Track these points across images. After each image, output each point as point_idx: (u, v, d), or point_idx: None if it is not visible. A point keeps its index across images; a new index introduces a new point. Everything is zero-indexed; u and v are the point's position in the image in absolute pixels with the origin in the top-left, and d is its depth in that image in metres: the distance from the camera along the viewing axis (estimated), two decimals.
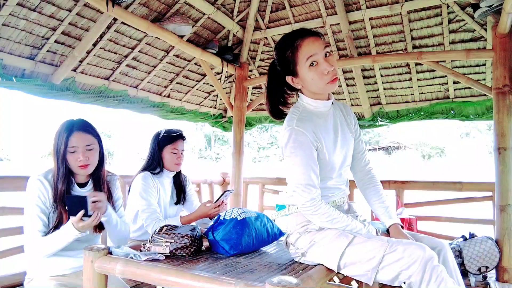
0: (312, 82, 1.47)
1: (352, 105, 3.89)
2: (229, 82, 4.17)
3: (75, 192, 1.66)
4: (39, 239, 1.52)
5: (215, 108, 4.37)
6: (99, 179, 1.73)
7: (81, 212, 1.46)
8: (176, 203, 2.38)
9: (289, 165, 1.47)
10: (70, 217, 1.48)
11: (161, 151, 2.27)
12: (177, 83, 3.70)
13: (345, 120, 1.64)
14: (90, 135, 1.65)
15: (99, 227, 1.70)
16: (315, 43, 1.44)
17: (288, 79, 1.52)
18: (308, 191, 1.41)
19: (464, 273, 2.43)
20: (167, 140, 2.28)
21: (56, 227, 1.57)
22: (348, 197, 1.69)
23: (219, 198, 2.27)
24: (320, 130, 1.49)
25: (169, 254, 1.56)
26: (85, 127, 1.65)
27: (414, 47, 3.28)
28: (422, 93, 3.58)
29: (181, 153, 2.32)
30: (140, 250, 1.55)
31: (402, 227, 1.53)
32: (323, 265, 1.45)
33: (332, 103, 1.59)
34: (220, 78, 3.99)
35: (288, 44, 1.47)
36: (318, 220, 1.45)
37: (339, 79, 1.52)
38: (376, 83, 3.67)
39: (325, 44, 1.45)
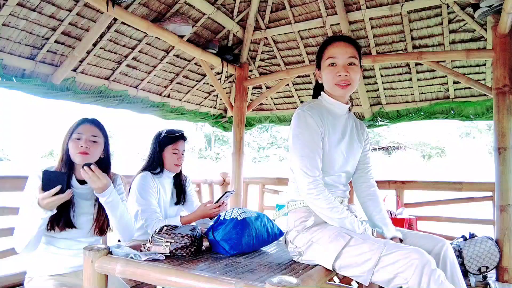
0: (325, 78, 1.59)
1: (352, 105, 3.90)
2: (229, 82, 4.17)
3: (76, 189, 1.63)
4: (19, 229, 1.49)
5: (215, 108, 4.37)
6: None
7: (56, 188, 1.40)
8: (176, 203, 2.38)
9: (294, 147, 1.51)
10: (39, 193, 1.43)
11: (162, 151, 2.27)
12: (177, 83, 3.70)
13: (356, 131, 1.70)
14: (98, 128, 1.68)
15: (100, 231, 1.67)
16: (342, 49, 1.55)
17: (316, 70, 1.67)
18: (312, 172, 1.46)
19: (464, 273, 2.43)
20: (168, 140, 2.28)
21: (52, 223, 1.53)
22: (348, 201, 1.70)
23: (219, 199, 2.27)
24: (327, 122, 1.56)
25: (169, 254, 1.56)
26: (96, 122, 1.70)
27: (414, 47, 3.28)
28: (422, 93, 3.58)
29: (182, 154, 2.33)
30: (140, 250, 1.55)
31: (401, 240, 1.53)
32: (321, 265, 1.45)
33: (349, 111, 1.69)
34: (220, 78, 4.00)
35: (326, 41, 1.62)
36: (319, 205, 1.46)
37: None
38: (376, 83, 3.67)
39: (353, 56, 1.55)
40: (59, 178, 1.42)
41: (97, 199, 1.66)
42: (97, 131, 1.67)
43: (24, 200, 1.54)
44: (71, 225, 1.59)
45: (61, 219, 1.55)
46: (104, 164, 1.71)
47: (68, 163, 1.62)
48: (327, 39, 1.63)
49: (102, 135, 1.69)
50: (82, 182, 1.67)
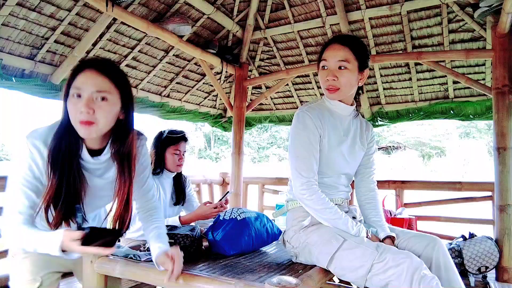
0: (320, 80, 1.57)
1: (359, 105, 3.90)
2: (229, 82, 4.17)
3: (86, 163, 1.19)
4: (21, 229, 1.08)
5: (215, 108, 4.37)
6: (120, 153, 1.20)
7: (96, 248, 1.03)
8: (176, 204, 2.38)
9: (291, 147, 1.52)
10: (66, 231, 1.02)
11: (163, 151, 2.27)
12: (176, 83, 3.70)
13: (360, 133, 1.68)
14: (106, 78, 1.12)
15: (121, 222, 1.25)
16: (333, 52, 1.51)
17: (318, 71, 1.63)
18: (306, 173, 1.46)
19: (464, 273, 2.43)
20: (169, 141, 2.27)
21: (59, 219, 1.13)
22: (348, 202, 1.69)
23: (221, 199, 2.26)
24: (327, 123, 1.55)
25: None
26: (102, 67, 1.13)
27: (414, 47, 3.28)
28: (421, 93, 3.58)
29: (183, 154, 2.33)
30: (140, 250, 1.55)
31: (393, 239, 1.54)
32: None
33: (356, 115, 1.67)
34: (220, 78, 3.99)
35: (326, 42, 1.59)
36: (312, 206, 1.46)
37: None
38: (375, 83, 3.67)
39: (344, 59, 1.49)
40: (108, 235, 1.05)
41: (118, 177, 1.23)
42: (106, 83, 1.11)
43: (15, 184, 1.12)
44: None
45: (68, 215, 1.15)
46: (122, 131, 1.19)
47: (70, 129, 1.13)
48: (328, 40, 1.61)
49: (114, 88, 1.13)
50: (95, 153, 1.21)
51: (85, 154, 1.18)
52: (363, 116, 3.76)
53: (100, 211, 1.46)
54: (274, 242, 1.87)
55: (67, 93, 1.12)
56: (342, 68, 1.50)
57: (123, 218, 1.23)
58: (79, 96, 1.10)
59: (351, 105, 1.62)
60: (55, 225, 1.13)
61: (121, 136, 1.20)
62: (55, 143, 1.11)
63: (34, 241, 1.07)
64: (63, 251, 1.03)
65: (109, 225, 1.26)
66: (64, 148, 1.12)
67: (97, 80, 1.10)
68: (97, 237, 1.02)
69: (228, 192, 2.35)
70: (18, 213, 1.09)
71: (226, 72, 3.83)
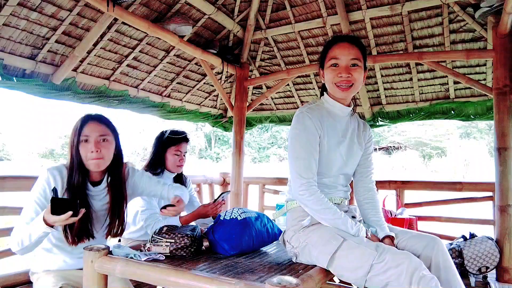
0: (327, 79, 1.57)
1: (356, 105, 3.90)
2: (230, 82, 4.17)
3: (89, 191, 1.60)
4: (18, 228, 1.44)
5: (215, 108, 4.37)
6: (115, 178, 1.65)
7: (67, 214, 1.30)
8: None
9: (291, 148, 1.53)
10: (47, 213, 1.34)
11: (164, 152, 2.27)
12: (177, 83, 3.70)
13: (357, 133, 1.68)
14: (104, 126, 1.58)
15: (113, 234, 1.67)
16: (345, 50, 1.53)
17: (319, 70, 1.65)
18: (306, 174, 1.47)
19: (464, 274, 2.43)
20: (171, 141, 2.28)
21: (73, 237, 1.50)
22: (349, 201, 1.70)
23: (217, 199, 2.27)
24: (326, 124, 1.55)
25: (169, 254, 1.56)
26: (101, 119, 1.60)
27: (415, 47, 3.28)
28: (422, 93, 3.58)
29: (184, 155, 2.33)
30: (141, 251, 1.55)
31: (393, 239, 1.54)
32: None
33: (352, 114, 1.68)
34: (221, 78, 4.00)
35: (331, 41, 1.60)
36: (311, 206, 1.47)
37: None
38: (376, 83, 3.67)
39: (357, 57, 1.52)
40: (70, 205, 1.32)
41: (110, 201, 1.63)
42: (105, 129, 1.57)
43: (29, 200, 1.48)
44: (92, 236, 1.58)
45: (83, 233, 1.53)
46: (116, 161, 1.64)
47: (80, 167, 1.54)
48: (331, 39, 1.61)
49: (111, 132, 1.59)
50: (96, 183, 1.63)
51: (89, 185, 1.59)
52: (361, 117, 3.81)
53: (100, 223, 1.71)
54: (274, 242, 1.87)
55: (77, 139, 1.51)
56: (355, 65, 1.52)
57: (113, 232, 1.66)
58: (87, 141, 1.53)
59: (349, 105, 1.63)
60: (73, 242, 1.51)
61: (116, 167, 1.64)
62: (72, 177, 1.53)
63: (28, 231, 1.38)
64: (51, 226, 1.35)
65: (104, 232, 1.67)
66: (76, 181, 1.53)
67: (100, 128, 1.56)
68: (63, 205, 1.30)
69: (223, 193, 2.34)
70: (25, 223, 1.43)
71: (227, 72, 3.83)
